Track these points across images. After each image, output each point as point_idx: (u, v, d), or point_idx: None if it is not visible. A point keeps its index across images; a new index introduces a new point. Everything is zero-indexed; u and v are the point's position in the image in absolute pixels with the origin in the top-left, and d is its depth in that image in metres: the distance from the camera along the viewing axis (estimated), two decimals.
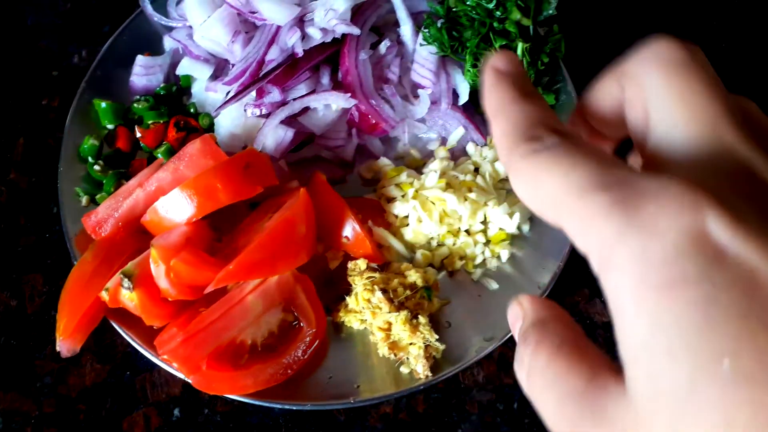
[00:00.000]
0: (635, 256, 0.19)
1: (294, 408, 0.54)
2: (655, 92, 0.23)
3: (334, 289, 0.61)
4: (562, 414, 0.22)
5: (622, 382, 0.20)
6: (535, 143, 0.23)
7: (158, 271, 0.52)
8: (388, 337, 0.56)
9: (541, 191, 0.22)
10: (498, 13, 0.64)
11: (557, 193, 0.21)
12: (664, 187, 0.19)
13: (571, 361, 0.22)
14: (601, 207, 0.20)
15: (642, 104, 0.24)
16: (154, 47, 0.72)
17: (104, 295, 0.53)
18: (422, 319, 0.56)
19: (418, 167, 0.67)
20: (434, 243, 0.63)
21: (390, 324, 0.55)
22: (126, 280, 0.52)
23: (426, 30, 0.66)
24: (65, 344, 0.54)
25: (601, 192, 0.20)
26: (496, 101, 0.27)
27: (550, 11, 0.67)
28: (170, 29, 0.71)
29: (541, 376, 0.23)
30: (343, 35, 0.65)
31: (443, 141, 0.68)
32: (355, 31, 0.64)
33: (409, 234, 0.63)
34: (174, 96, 0.69)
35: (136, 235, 0.59)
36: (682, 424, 0.18)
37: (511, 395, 0.59)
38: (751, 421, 0.17)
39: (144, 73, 0.68)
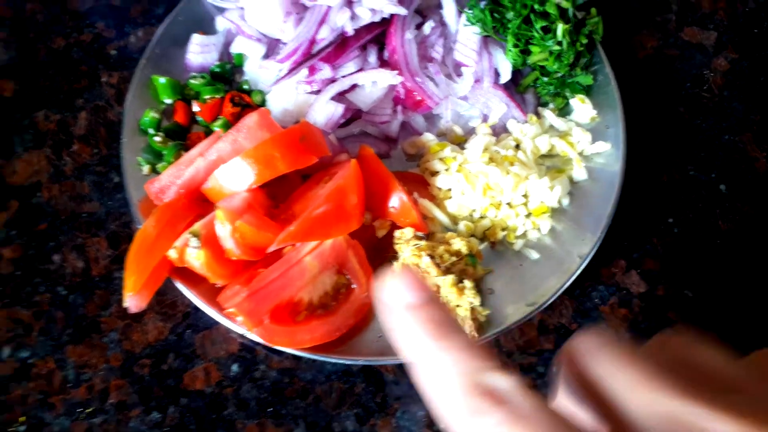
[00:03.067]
0: None
1: (348, 362, 0.58)
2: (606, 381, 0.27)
3: (380, 256, 0.64)
4: None
5: None
6: (479, 416, 0.23)
7: (224, 231, 0.55)
8: None
9: None
10: None
11: None
12: None
13: None
14: None
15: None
16: (207, 27, 0.75)
17: (172, 254, 0.57)
18: (468, 283, 0.59)
19: (460, 143, 0.70)
20: (476, 215, 0.66)
21: (438, 287, 0.59)
22: (194, 239, 0.56)
23: (470, 11, 0.69)
24: (133, 300, 0.58)
25: None
26: (415, 348, 0.26)
27: None
28: (222, 10, 0.75)
29: None
30: (390, 15, 0.68)
31: (484, 118, 0.71)
32: (403, 11, 0.67)
33: (452, 206, 0.66)
34: (228, 73, 0.72)
35: (197, 202, 0.63)
36: None
37: (551, 359, 0.62)
38: None
39: (200, 51, 0.71)
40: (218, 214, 0.56)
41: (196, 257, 0.56)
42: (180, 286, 0.59)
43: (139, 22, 0.80)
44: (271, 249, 0.55)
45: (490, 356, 0.25)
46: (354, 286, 0.59)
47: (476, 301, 0.58)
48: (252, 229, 0.55)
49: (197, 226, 0.57)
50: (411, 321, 0.26)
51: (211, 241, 0.57)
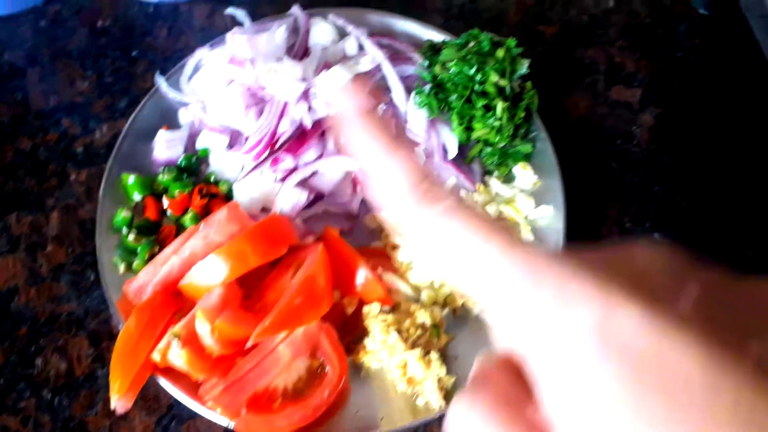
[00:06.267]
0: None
1: None
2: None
3: (350, 332, 0.69)
4: None
5: None
6: (425, 206, 0.25)
7: (204, 330, 0.59)
8: (405, 373, 0.63)
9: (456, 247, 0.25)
10: (478, 77, 0.74)
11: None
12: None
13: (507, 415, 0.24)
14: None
15: None
16: (171, 120, 0.79)
17: (156, 357, 0.60)
18: (434, 355, 0.64)
19: None
20: (437, 284, 0.71)
21: (406, 362, 0.63)
22: (176, 340, 0.59)
23: (417, 96, 0.75)
24: (120, 402, 0.61)
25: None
26: (370, 154, 0.28)
27: (523, 70, 0.76)
28: (185, 104, 0.79)
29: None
30: None
31: None
32: None
33: (414, 277, 0.71)
34: (194, 165, 0.76)
35: (173, 297, 0.66)
36: None
37: None
38: None
39: (166, 146, 0.75)
40: (198, 315, 0.59)
41: (178, 356, 0.59)
42: (164, 382, 0.63)
43: (103, 117, 0.84)
44: (248, 345, 0.59)
45: (429, 169, 0.28)
46: (327, 368, 0.63)
47: (443, 372, 0.63)
48: (230, 326, 0.59)
49: (178, 327, 0.60)
50: (364, 127, 0.28)
51: (191, 340, 0.60)
